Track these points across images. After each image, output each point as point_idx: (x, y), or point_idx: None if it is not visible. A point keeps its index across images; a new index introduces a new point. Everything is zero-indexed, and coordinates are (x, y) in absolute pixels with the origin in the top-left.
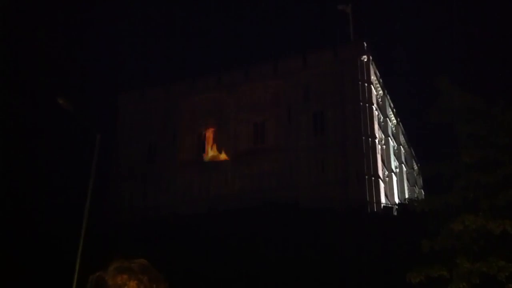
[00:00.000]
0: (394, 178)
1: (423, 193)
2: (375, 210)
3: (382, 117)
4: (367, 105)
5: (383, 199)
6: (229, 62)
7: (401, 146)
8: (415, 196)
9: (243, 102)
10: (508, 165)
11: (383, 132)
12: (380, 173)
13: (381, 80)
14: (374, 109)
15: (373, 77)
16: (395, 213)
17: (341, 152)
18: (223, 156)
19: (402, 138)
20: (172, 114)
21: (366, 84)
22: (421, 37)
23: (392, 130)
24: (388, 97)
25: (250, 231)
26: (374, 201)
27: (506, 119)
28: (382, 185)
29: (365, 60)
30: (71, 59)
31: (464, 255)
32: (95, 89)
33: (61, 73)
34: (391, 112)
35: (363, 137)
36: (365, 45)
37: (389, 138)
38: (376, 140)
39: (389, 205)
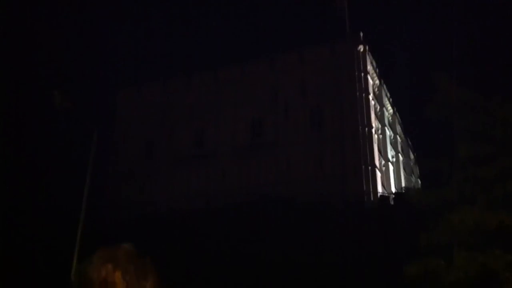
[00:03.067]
0: (391, 168)
1: (419, 182)
2: (372, 199)
3: (378, 107)
4: (363, 94)
5: (380, 189)
6: (226, 58)
7: (397, 136)
8: (412, 185)
9: (240, 97)
10: (504, 159)
11: (379, 121)
12: (377, 163)
13: (377, 70)
14: (371, 98)
15: (369, 67)
16: (392, 202)
17: (339, 147)
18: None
19: (398, 128)
20: (169, 110)
21: (362, 74)
22: (417, 29)
23: (388, 119)
24: (385, 86)
25: (247, 226)
26: (371, 191)
27: (504, 114)
28: (378, 174)
29: (361, 50)
30: (68, 57)
31: (461, 247)
32: (92, 86)
33: (58, 71)
34: (387, 102)
35: (360, 127)
36: (361, 35)
37: (386, 127)
38: (373, 130)
39: (386, 194)
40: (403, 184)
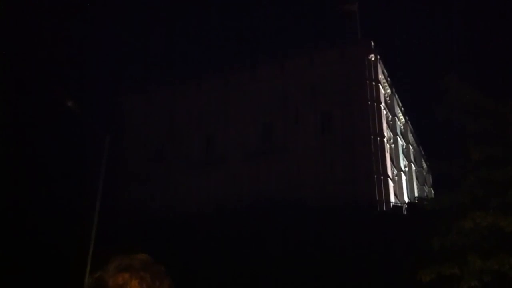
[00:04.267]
0: (403, 177)
1: (432, 191)
2: (385, 209)
3: (390, 116)
4: (375, 104)
5: (392, 198)
6: (235, 62)
7: (409, 145)
8: (425, 195)
9: (249, 102)
10: None
11: (391, 131)
12: (389, 172)
13: (389, 79)
14: (382, 108)
15: (381, 76)
16: (405, 212)
17: (349, 151)
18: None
19: (410, 137)
20: (178, 115)
21: (373, 83)
22: (428, 35)
23: (400, 128)
24: (396, 95)
25: (258, 231)
26: (384, 200)
27: None
28: (391, 184)
29: (373, 59)
30: (76, 62)
31: (475, 252)
32: (102, 92)
33: (66, 76)
34: (399, 111)
35: (372, 136)
36: (372, 44)
37: (398, 137)
38: (385, 139)
39: (399, 204)
40: (416, 194)
